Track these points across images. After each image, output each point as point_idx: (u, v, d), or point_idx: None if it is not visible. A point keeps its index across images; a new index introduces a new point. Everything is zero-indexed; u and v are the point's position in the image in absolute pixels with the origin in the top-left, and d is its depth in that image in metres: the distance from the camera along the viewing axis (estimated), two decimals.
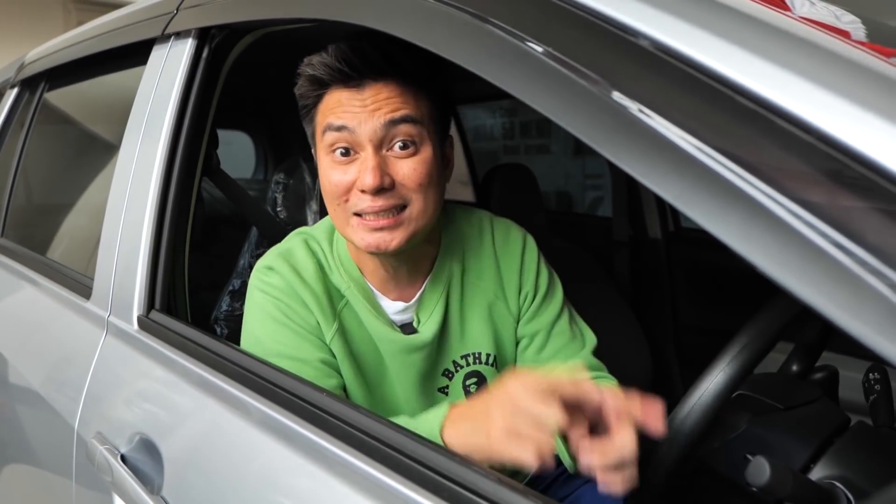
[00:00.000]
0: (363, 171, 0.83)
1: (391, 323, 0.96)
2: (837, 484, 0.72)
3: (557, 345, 1.00)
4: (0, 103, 2.18)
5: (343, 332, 0.93)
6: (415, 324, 0.97)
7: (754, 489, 0.64)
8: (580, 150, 3.45)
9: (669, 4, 0.55)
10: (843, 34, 0.61)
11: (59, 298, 1.34)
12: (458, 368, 0.99)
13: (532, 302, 1.00)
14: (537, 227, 1.90)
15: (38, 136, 1.96)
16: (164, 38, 1.19)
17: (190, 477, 0.86)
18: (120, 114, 1.26)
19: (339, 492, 0.68)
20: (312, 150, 0.94)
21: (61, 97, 1.97)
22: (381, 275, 0.95)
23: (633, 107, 0.51)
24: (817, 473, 0.74)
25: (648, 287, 2.07)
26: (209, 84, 1.12)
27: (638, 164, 0.49)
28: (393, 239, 0.85)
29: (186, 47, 1.11)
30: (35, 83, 1.98)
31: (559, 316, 1.01)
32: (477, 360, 0.99)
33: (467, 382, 0.98)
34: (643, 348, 1.90)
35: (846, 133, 0.42)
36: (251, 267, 1.65)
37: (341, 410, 0.72)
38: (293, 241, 0.98)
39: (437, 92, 0.89)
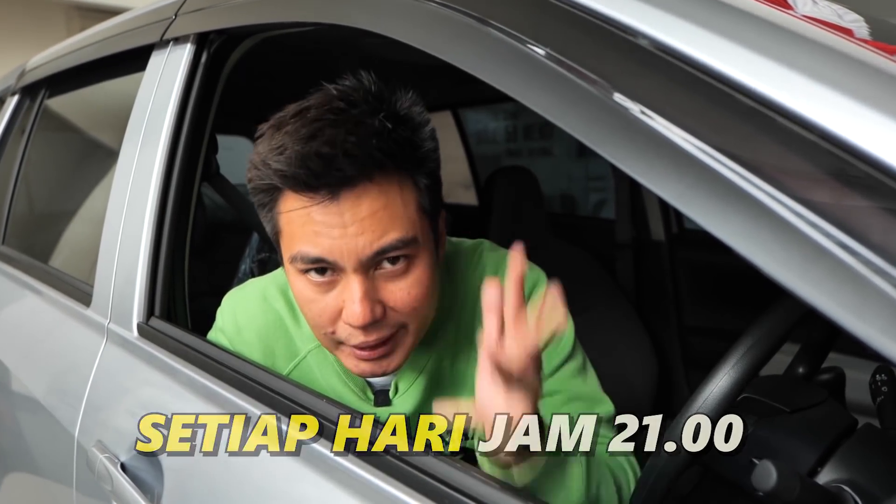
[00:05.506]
0: (348, 301, 0.71)
1: (364, 387, 0.87)
2: (845, 487, 0.71)
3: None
4: (1, 111, 2.19)
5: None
6: (391, 393, 0.87)
7: (760, 494, 0.63)
8: (583, 152, 3.44)
9: (669, 3, 0.55)
10: (846, 32, 0.60)
11: (60, 306, 1.34)
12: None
13: None
14: (539, 229, 1.90)
15: (39, 144, 1.97)
16: (162, 43, 1.19)
17: (190, 485, 0.86)
18: (121, 120, 1.26)
19: (340, 499, 0.67)
20: (277, 250, 0.80)
21: (62, 104, 1.98)
22: None
23: (633, 107, 0.50)
24: (824, 477, 0.73)
25: (652, 289, 2.07)
26: (208, 89, 1.11)
27: (637, 165, 0.48)
28: (391, 363, 0.76)
29: (185, 52, 1.11)
30: (35, 90, 1.98)
31: (549, 376, 0.85)
32: (465, 437, 0.86)
33: None
34: (647, 351, 1.90)
35: (849, 130, 0.42)
36: (252, 272, 1.66)
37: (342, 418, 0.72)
38: (250, 291, 0.91)
39: (424, 175, 0.75)
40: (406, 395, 0.86)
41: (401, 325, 0.75)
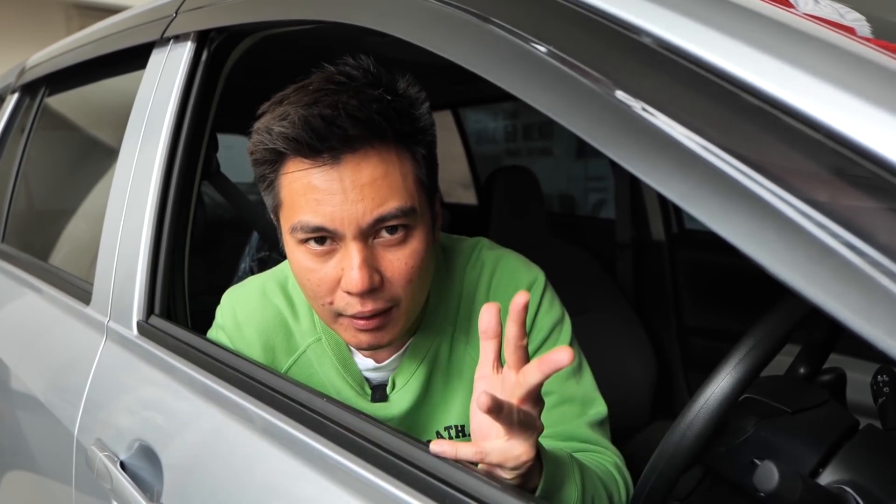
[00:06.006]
0: (347, 268, 0.72)
1: (362, 382, 0.88)
2: (847, 489, 0.71)
3: None
4: (1, 109, 2.18)
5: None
6: (388, 388, 0.87)
7: (762, 494, 0.63)
8: (582, 152, 3.44)
9: (672, 1, 0.55)
10: (849, 31, 0.60)
11: (60, 304, 1.33)
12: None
13: None
14: (539, 229, 1.90)
15: (39, 142, 1.96)
16: (163, 41, 1.18)
17: (190, 484, 0.85)
18: (121, 118, 1.26)
19: (341, 498, 0.67)
20: (276, 226, 0.81)
21: (62, 102, 1.97)
22: None
23: (637, 105, 0.50)
24: (826, 478, 0.73)
25: (652, 289, 2.06)
26: (208, 87, 1.11)
27: (641, 164, 0.48)
28: (385, 335, 0.77)
29: (185, 50, 1.11)
30: (35, 88, 1.98)
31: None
32: (460, 434, 0.88)
33: None
34: (647, 351, 1.89)
35: (855, 129, 0.41)
36: (252, 270, 1.66)
37: (342, 417, 0.71)
38: (249, 287, 0.92)
39: (423, 146, 0.76)
40: (403, 390, 0.86)
41: (395, 300, 0.75)
